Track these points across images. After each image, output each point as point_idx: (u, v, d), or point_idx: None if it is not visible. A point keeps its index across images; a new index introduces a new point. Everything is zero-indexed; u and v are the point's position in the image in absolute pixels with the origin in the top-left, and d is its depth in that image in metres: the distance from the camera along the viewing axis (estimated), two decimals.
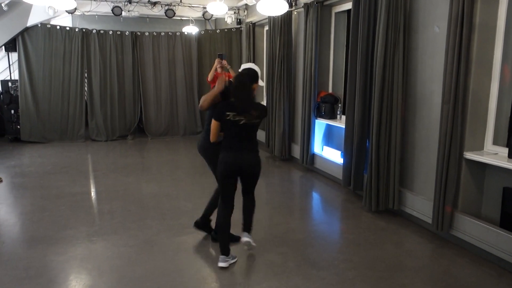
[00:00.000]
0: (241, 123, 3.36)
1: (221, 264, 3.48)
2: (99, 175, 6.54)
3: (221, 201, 3.56)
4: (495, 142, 3.82)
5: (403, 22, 4.29)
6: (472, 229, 3.65)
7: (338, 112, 6.21)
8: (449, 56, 3.70)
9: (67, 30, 8.95)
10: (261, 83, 3.71)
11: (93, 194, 5.60)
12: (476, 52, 3.66)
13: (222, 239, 3.55)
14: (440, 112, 3.87)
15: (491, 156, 3.68)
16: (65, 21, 9.78)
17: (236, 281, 3.31)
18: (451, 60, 3.67)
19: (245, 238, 3.64)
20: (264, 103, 8.52)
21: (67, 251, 3.77)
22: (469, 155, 3.76)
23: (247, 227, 3.71)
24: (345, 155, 5.37)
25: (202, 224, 4.05)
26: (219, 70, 7.22)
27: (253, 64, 3.78)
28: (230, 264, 3.50)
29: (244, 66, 3.73)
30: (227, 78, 3.79)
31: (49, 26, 8.82)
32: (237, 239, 3.84)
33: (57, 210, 4.84)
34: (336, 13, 6.39)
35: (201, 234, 4.12)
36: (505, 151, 3.66)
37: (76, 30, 8.98)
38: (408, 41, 4.36)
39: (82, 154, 8.12)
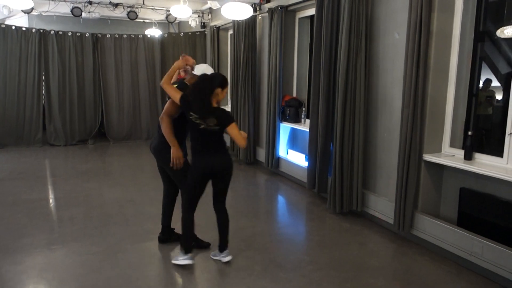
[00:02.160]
0: (201, 127, 3.32)
1: (175, 262, 3.50)
2: (58, 181, 6.30)
3: (189, 204, 3.50)
4: (452, 145, 3.99)
5: (365, 28, 4.41)
6: (432, 229, 3.79)
7: (303, 116, 6.30)
8: (409, 61, 3.83)
9: (23, 30, 8.59)
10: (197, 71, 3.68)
11: (52, 200, 5.39)
12: (434, 58, 3.81)
13: (187, 238, 3.52)
14: (400, 116, 4.00)
15: (449, 158, 3.84)
16: (21, 21, 9.39)
17: (203, 286, 3.27)
18: (410, 65, 3.81)
19: (226, 258, 3.58)
20: (228, 107, 8.51)
21: (25, 260, 3.60)
22: (428, 157, 3.91)
23: (224, 243, 3.62)
24: (309, 158, 5.44)
25: (168, 236, 3.98)
26: (182, 73, 7.13)
27: (208, 65, 3.74)
28: (184, 264, 3.49)
29: (198, 67, 3.66)
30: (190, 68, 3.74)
31: (4, 26, 8.44)
32: (206, 245, 3.86)
33: (13, 218, 4.62)
34: (300, 19, 6.49)
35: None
36: (461, 153, 3.83)
37: (33, 30, 8.64)
38: (370, 47, 4.49)
39: (39, 159, 7.80)
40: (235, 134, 3.39)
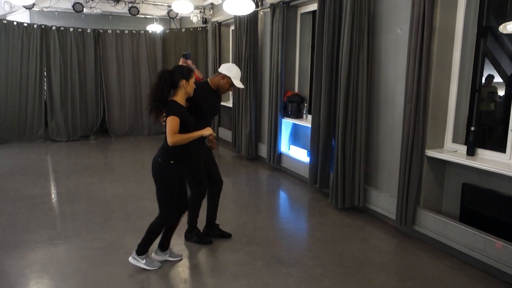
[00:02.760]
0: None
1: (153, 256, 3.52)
2: (60, 176, 6.31)
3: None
4: (455, 140, 3.99)
5: (367, 24, 4.39)
6: (434, 224, 3.79)
7: (304, 112, 6.29)
8: (411, 57, 3.82)
9: (24, 26, 8.58)
10: (239, 84, 3.71)
11: (54, 196, 5.40)
12: (436, 54, 3.80)
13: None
14: (403, 112, 3.99)
15: (451, 154, 3.83)
16: (22, 16, 9.37)
17: (205, 281, 3.28)
18: (413, 61, 3.79)
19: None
20: (230, 103, 8.52)
21: (27, 255, 3.61)
22: (431, 153, 3.90)
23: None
24: (311, 154, 5.44)
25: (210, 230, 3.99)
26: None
27: (233, 64, 3.79)
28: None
29: (224, 66, 3.73)
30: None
31: (5, 22, 8.43)
32: (209, 241, 3.87)
33: (15, 213, 4.63)
34: (302, 14, 6.47)
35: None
36: (463, 148, 3.82)
37: (35, 26, 8.63)
38: (372, 42, 4.47)
39: (41, 155, 7.82)
40: (167, 128, 3.14)
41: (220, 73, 3.69)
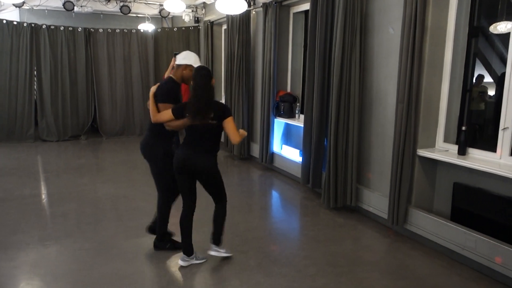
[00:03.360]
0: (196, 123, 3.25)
1: (180, 263, 3.44)
2: (50, 176, 6.25)
3: (181, 197, 3.49)
4: (446, 140, 4.01)
5: (359, 23, 4.41)
6: (425, 223, 3.81)
7: (297, 111, 6.29)
8: (403, 57, 3.84)
9: (14, 24, 8.49)
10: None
11: (44, 196, 5.35)
12: (428, 54, 3.82)
13: (182, 238, 3.48)
14: (395, 111, 4.01)
15: (442, 153, 3.85)
16: (12, 15, 9.27)
17: (197, 282, 3.27)
18: (405, 60, 3.81)
19: (210, 251, 3.54)
20: (223, 101, 8.50)
21: (18, 256, 3.57)
22: (422, 152, 3.92)
23: (214, 238, 3.54)
24: (303, 154, 5.44)
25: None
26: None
27: (188, 51, 3.67)
28: (191, 264, 3.46)
29: (180, 56, 3.58)
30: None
31: None
32: (178, 246, 3.67)
33: (5, 214, 4.58)
34: (294, 14, 6.47)
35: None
36: (455, 148, 3.85)
37: (25, 25, 8.53)
38: (365, 42, 4.48)
39: (31, 155, 7.74)
40: (231, 128, 3.29)
41: (180, 65, 3.56)
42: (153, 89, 3.50)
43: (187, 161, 3.28)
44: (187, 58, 3.56)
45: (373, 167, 4.53)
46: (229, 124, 3.29)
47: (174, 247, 3.72)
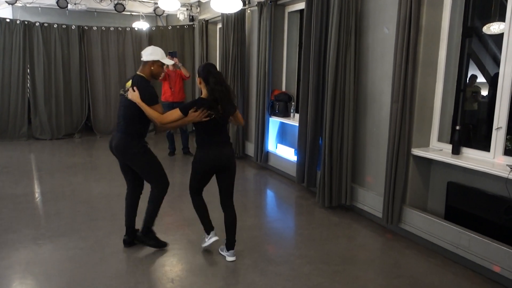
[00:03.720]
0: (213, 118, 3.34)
1: (205, 245, 3.69)
2: (44, 175, 6.21)
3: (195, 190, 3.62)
4: (440, 139, 4.04)
5: (354, 23, 4.42)
6: (419, 222, 3.83)
7: (292, 110, 6.30)
8: (398, 56, 3.85)
9: (7, 22, 8.42)
10: (168, 61, 3.73)
11: (38, 195, 5.31)
12: (423, 53, 3.84)
13: (202, 219, 3.67)
14: (389, 111, 4.02)
15: (436, 152, 3.88)
16: (4, 12, 9.19)
17: (193, 280, 3.26)
18: (400, 60, 3.83)
19: (231, 258, 3.55)
20: None
21: (10, 255, 3.54)
22: (416, 152, 3.94)
23: (231, 243, 3.56)
24: (298, 153, 5.45)
25: (133, 237, 3.81)
26: (171, 68, 7.08)
27: (152, 46, 3.61)
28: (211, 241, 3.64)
29: (145, 53, 3.50)
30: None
31: None
32: (164, 244, 3.76)
33: None
34: (289, 13, 6.47)
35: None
36: (449, 147, 3.87)
37: (18, 22, 8.47)
38: (359, 41, 4.50)
39: (24, 153, 7.68)
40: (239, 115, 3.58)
41: (147, 62, 3.48)
42: (137, 94, 3.37)
43: (224, 158, 3.42)
44: (154, 53, 3.50)
45: (367, 166, 4.55)
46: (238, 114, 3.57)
47: (158, 244, 3.75)
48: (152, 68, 3.51)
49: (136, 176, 3.72)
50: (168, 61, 3.72)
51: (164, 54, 3.62)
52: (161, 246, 3.75)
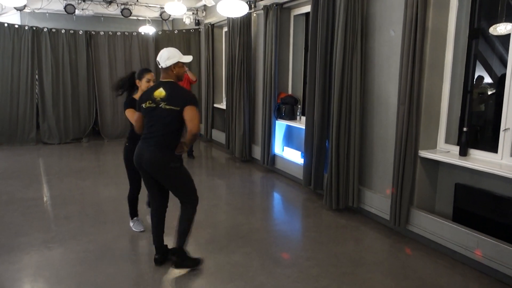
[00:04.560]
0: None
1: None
2: (53, 179, 6.27)
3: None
4: (447, 141, 4.03)
5: (360, 26, 4.43)
6: (427, 224, 3.83)
7: (298, 113, 6.32)
8: (404, 58, 3.86)
9: (16, 28, 8.52)
10: (188, 59, 3.44)
11: (47, 199, 5.36)
12: (429, 55, 3.85)
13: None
14: (396, 113, 4.03)
15: (444, 154, 3.87)
16: (13, 18, 9.30)
17: (202, 283, 3.28)
18: (406, 62, 3.84)
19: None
20: (224, 104, 8.54)
21: (22, 259, 3.59)
22: (424, 154, 3.95)
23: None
24: (305, 155, 5.46)
25: (166, 255, 3.60)
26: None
27: (165, 49, 3.39)
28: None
29: (162, 58, 3.31)
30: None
31: None
32: (199, 261, 3.53)
33: (8, 216, 4.60)
34: (295, 16, 6.50)
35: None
36: (456, 149, 3.87)
37: (26, 28, 8.57)
38: (366, 44, 4.51)
39: (33, 157, 7.76)
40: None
41: (168, 67, 3.29)
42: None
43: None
44: (171, 57, 3.30)
45: (375, 168, 4.55)
46: None
47: (194, 263, 3.51)
48: (175, 71, 3.35)
49: (163, 190, 3.52)
50: (188, 58, 3.46)
51: (180, 53, 3.44)
52: (198, 263, 3.51)
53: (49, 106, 8.88)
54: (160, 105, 3.21)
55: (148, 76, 3.91)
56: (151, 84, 3.85)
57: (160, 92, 3.24)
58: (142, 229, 4.22)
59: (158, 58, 3.33)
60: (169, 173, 3.29)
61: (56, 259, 3.60)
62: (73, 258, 3.62)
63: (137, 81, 3.94)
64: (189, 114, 3.19)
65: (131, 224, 4.30)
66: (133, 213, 4.31)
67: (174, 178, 3.34)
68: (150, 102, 3.26)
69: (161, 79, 3.35)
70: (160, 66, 3.32)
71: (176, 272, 3.42)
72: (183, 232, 3.42)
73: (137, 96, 3.87)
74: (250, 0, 6.80)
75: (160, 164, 3.26)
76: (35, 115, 8.81)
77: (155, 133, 3.26)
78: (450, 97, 3.99)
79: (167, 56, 3.29)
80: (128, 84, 4.06)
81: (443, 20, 3.88)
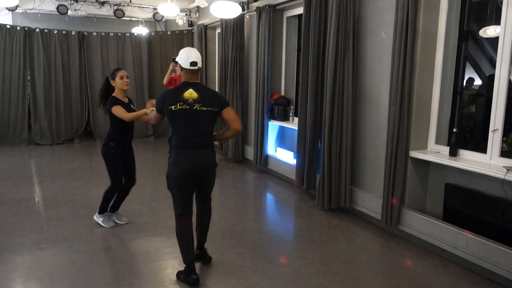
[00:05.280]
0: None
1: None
2: (45, 180, 6.24)
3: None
4: (437, 142, 4.09)
5: (352, 27, 4.48)
6: (418, 224, 3.88)
7: (291, 114, 6.35)
8: (395, 60, 3.91)
9: (7, 28, 8.47)
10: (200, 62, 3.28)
11: (39, 200, 5.34)
12: (420, 57, 3.90)
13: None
14: (387, 113, 4.08)
15: (434, 155, 3.93)
16: (5, 18, 9.26)
17: None
18: (397, 64, 3.89)
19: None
20: None
21: (14, 259, 3.57)
22: (414, 154, 3.99)
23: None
24: (298, 156, 5.50)
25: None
26: (177, 72, 7.15)
27: (189, 48, 3.35)
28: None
29: (198, 56, 3.26)
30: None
31: None
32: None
33: (0, 217, 4.57)
34: (287, 18, 6.54)
35: (156, 237, 4.08)
36: (446, 149, 3.92)
37: (18, 28, 8.52)
38: (358, 45, 4.56)
39: (25, 158, 7.71)
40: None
41: (199, 68, 3.27)
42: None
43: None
44: (186, 55, 3.22)
45: (366, 169, 4.60)
46: None
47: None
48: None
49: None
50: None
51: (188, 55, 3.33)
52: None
53: (41, 106, 8.84)
54: (195, 107, 3.12)
55: (120, 73, 4.05)
56: (125, 80, 4.04)
57: (191, 93, 3.14)
58: (113, 225, 4.35)
59: (195, 58, 3.19)
60: (215, 172, 3.37)
61: (48, 260, 3.60)
62: (66, 259, 3.61)
63: (111, 81, 4.08)
64: (230, 114, 3.27)
65: (100, 219, 4.36)
66: (105, 208, 4.37)
67: (215, 177, 3.41)
68: (181, 103, 3.11)
69: (186, 80, 3.23)
70: (196, 67, 3.20)
71: (169, 272, 3.43)
72: (208, 228, 3.57)
73: (117, 94, 4.09)
74: (243, 1, 6.83)
75: (213, 166, 3.30)
76: (27, 115, 8.77)
77: (198, 136, 3.17)
78: (441, 98, 4.04)
79: (200, 58, 3.27)
80: (108, 90, 4.17)
81: (433, 22, 3.94)
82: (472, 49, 4.37)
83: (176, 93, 3.17)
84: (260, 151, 6.62)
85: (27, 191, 5.62)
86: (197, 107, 3.13)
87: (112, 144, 4.16)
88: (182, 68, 3.23)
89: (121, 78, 4.04)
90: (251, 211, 5.13)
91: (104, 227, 4.31)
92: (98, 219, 4.37)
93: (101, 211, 4.37)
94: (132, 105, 4.27)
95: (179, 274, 3.32)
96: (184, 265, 3.25)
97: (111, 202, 4.38)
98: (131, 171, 4.33)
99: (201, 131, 3.18)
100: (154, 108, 3.41)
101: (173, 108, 3.12)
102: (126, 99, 4.21)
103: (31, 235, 4.11)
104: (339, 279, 3.34)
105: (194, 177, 3.20)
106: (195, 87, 3.19)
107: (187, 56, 3.19)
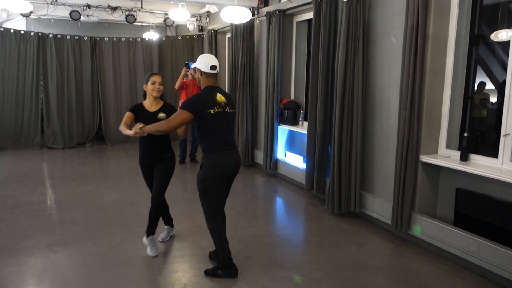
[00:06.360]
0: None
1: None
2: (57, 183, 6.33)
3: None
4: (448, 146, 4.07)
5: (362, 32, 4.49)
6: (429, 229, 3.86)
7: (301, 118, 6.36)
8: (405, 65, 3.91)
9: (21, 34, 8.63)
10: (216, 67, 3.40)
11: (52, 203, 5.41)
12: (430, 61, 3.89)
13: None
14: (397, 118, 4.07)
15: (445, 159, 3.91)
16: (19, 24, 9.43)
17: (204, 286, 3.32)
18: (407, 68, 3.88)
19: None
20: None
21: (28, 261, 3.63)
22: (425, 159, 3.98)
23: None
24: (307, 160, 5.50)
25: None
26: (189, 77, 7.24)
27: (208, 54, 3.47)
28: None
29: (217, 61, 3.40)
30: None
31: (2, 29, 8.48)
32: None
33: (14, 220, 4.65)
34: (297, 22, 6.57)
35: (166, 241, 4.11)
36: (457, 154, 3.90)
37: (32, 34, 8.67)
38: (367, 50, 4.56)
39: (38, 162, 7.82)
40: None
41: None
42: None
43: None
44: (204, 60, 3.35)
45: (376, 173, 4.59)
46: None
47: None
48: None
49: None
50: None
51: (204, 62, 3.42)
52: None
53: (54, 111, 8.97)
54: (226, 109, 3.31)
55: (153, 78, 3.73)
56: (156, 86, 3.71)
57: (221, 97, 3.30)
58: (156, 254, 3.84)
59: (214, 63, 3.33)
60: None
61: (61, 262, 3.65)
62: (78, 261, 3.66)
63: (144, 85, 3.79)
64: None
65: (146, 242, 3.86)
66: (153, 229, 3.86)
67: None
68: (218, 107, 3.25)
69: (211, 85, 3.35)
70: (215, 71, 3.34)
71: (180, 275, 3.46)
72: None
73: (146, 100, 3.80)
74: (253, 6, 6.87)
75: (240, 164, 3.53)
76: (40, 120, 8.90)
77: (230, 137, 3.42)
78: (451, 102, 4.03)
79: (218, 63, 3.39)
80: (145, 95, 3.94)
81: (443, 26, 3.93)
82: (484, 53, 4.35)
83: (210, 97, 3.27)
84: (270, 156, 6.63)
85: (40, 194, 5.70)
86: (227, 110, 3.32)
87: (139, 153, 3.99)
88: (201, 73, 3.35)
89: (153, 83, 3.71)
90: (260, 215, 5.14)
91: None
92: (145, 242, 3.91)
93: (149, 233, 3.88)
94: (161, 113, 3.73)
95: (212, 255, 3.72)
96: (221, 260, 3.44)
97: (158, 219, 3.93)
98: (155, 185, 3.85)
99: (232, 132, 3.46)
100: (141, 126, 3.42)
101: (212, 112, 3.22)
102: (156, 106, 3.79)
103: (44, 237, 4.17)
104: (349, 283, 3.33)
105: (231, 175, 3.44)
106: (220, 91, 3.37)
107: (207, 61, 3.32)
